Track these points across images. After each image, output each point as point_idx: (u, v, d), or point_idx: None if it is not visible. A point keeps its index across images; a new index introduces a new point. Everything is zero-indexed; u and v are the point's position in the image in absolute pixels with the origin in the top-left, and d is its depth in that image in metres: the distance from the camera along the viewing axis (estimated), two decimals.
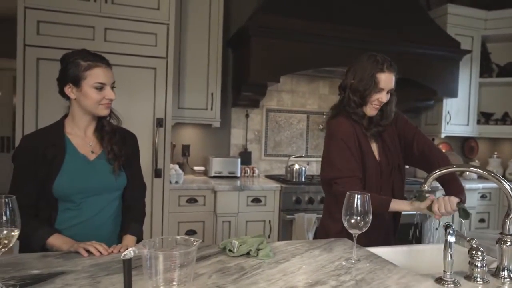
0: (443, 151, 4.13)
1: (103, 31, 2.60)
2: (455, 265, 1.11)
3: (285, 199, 3.10)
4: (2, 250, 0.96)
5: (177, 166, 3.10)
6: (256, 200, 3.07)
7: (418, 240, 3.32)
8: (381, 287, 1.05)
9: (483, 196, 3.80)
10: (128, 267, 0.90)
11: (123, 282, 0.90)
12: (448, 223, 1.14)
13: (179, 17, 3.07)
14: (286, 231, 3.09)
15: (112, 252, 1.27)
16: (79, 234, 1.39)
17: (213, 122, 3.32)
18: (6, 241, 0.95)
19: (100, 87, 1.41)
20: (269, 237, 3.08)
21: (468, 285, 1.10)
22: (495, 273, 1.17)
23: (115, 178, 1.48)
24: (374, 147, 1.72)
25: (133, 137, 1.63)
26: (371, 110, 1.65)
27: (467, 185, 3.63)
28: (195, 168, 3.49)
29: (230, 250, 1.28)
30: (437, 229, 3.35)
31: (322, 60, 3.27)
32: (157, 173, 2.74)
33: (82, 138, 1.48)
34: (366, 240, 1.49)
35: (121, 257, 0.89)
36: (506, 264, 1.15)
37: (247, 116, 3.70)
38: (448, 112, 3.96)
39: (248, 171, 3.60)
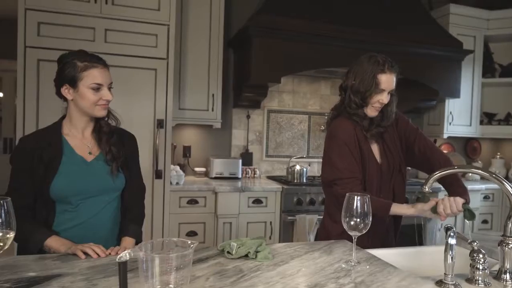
0: (445, 152, 4.15)
1: (103, 32, 2.60)
2: (457, 268, 1.10)
3: (286, 200, 3.08)
4: None
5: (178, 167, 3.09)
6: (257, 201, 3.05)
7: (420, 241, 3.30)
8: None
9: (486, 197, 3.77)
10: (124, 270, 0.88)
11: (119, 285, 0.89)
12: (449, 225, 1.13)
13: (179, 18, 3.07)
14: (287, 233, 3.07)
15: (109, 254, 1.26)
16: (77, 236, 1.38)
17: (214, 123, 3.31)
18: (1, 243, 0.95)
19: (97, 88, 1.40)
20: (270, 238, 3.07)
21: None
22: (497, 276, 1.15)
23: (113, 180, 1.47)
24: (375, 148, 1.70)
25: (132, 138, 1.62)
26: (372, 111, 1.64)
27: (469, 186, 3.60)
28: (196, 169, 3.48)
29: (228, 252, 1.27)
30: (439, 229, 3.33)
31: (323, 60, 3.26)
32: (158, 174, 2.74)
33: (79, 139, 1.47)
34: (367, 242, 1.48)
35: (117, 259, 0.88)
36: (508, 266, 1.14)
37: (248, 117, 3.69)
38: (451, 113, 3.93)
39: (249, 172, 3.58)
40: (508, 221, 1.15)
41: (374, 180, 1.64)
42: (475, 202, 3.65)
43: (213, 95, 3.24)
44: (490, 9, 3.97)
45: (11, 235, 0.95)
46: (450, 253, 1.07)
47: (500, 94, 4.17)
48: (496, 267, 1.19)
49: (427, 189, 1.33)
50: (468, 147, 4.48)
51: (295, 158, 3.61)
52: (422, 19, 3.64)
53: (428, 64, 3.53)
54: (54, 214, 1.40)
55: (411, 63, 3.41)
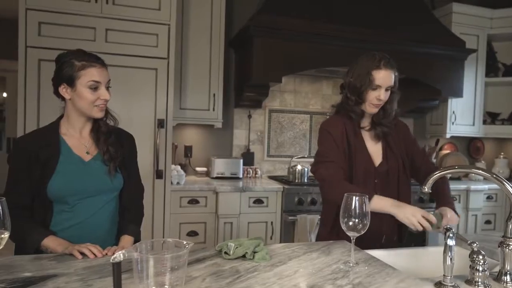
0: (448, 152, 4.12)
1: (104, 32, 2.60)
2: (457, 269, 1.08)
3: (288, 200, 3.07)
4: None
5: (178, 167, 3.09)
6: (258, 201, 3.04)
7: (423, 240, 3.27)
8: None
9: (489, 197, 3.74)
10: (118, 271, 0.88)
11: (113, 285, 0.89)
12: (448, 226, 1.12)
13: (180, 18, 3.06)
14: (288, 233, 3.06)
15: (106, 254, 1.26)
16: (74, 236, 1.38)
17: (215, 123, 3.30)
18: None
19: (95, 87, 1.39)
20: (271, 238, 3.06)
21: None
22: (497, 278, 1.13)
23: (110, 180, 1.46)
24: (378, 148, 1.71)
25: (130, 137, 1.62)
26: (370, 108, 1.65)
27: (472, 186, 3.58)
28: (197, 169, 3.48)
29: (226, 253, 1.26)
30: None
31: (324, 60, 3.24)
32: (159, 174, 2.73)
33: (77, 139, 1.47)
34: (367, 243, 1.46)
35: (111, 260, 0.88)
36: (508, 268, 1.12)
37: (249, 116, 3.68)
38: (454, 112, 3.90)
39: (251, 172, 3.57)
40: (509, 222, 1.13)
41: (361, 174, 1.64)
42: (478, 203, 3.62)
43: (214, 94, 3.23)
44: (493, 7, 3.93)
45: (6, 235, 0.95)
46: (449, 254, 1.06)
47: (504, 94, 4.13)
48: (497, 269, 1.17)
49: (426, 189, 1.32)
50: (471, 147, 4.45)
51: (297, 158, 3.59)
52: (425, 18, 3.61)
53: (431, 63, 3.50)
54: (52, 214, 1.40)
55: (414, 62, 3.39)
